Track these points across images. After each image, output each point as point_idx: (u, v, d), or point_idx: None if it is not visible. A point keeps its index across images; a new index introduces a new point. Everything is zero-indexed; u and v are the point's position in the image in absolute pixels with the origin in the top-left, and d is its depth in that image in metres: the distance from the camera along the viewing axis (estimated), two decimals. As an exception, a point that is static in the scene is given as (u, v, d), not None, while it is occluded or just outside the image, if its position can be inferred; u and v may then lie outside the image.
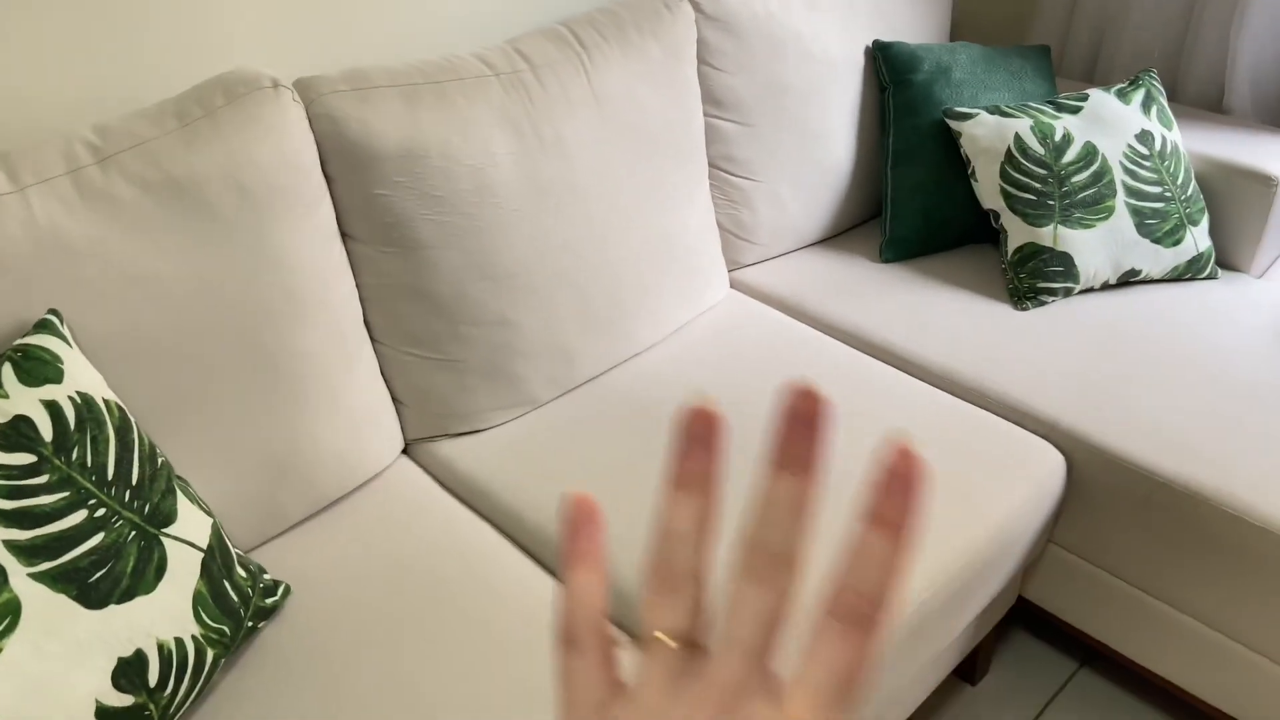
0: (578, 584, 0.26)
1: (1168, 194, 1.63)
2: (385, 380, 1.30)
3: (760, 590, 0.24)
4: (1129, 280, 1.66)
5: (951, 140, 1.74)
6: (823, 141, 1.74)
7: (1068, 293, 1.63)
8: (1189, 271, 1.67)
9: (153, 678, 0.86)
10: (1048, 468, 1.32)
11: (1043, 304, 1.62)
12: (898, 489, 0.23)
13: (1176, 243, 1.63)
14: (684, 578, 0.25)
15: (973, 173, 1.69)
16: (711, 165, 1.66)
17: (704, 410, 0.25)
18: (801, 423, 0.24)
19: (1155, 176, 1.63)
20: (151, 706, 0.86)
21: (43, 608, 0.79)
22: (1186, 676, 1.41)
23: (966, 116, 1.68)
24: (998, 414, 1.44)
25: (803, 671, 0.24)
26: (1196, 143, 1.76)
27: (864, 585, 0.23)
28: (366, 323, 1.27)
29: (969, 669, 1.61)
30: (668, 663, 0.24)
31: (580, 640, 0.26)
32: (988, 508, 1.22)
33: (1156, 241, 1.62)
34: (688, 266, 1.54)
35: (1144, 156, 1.64)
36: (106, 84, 1.16)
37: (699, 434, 0.25)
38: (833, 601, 0.24)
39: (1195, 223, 1.65)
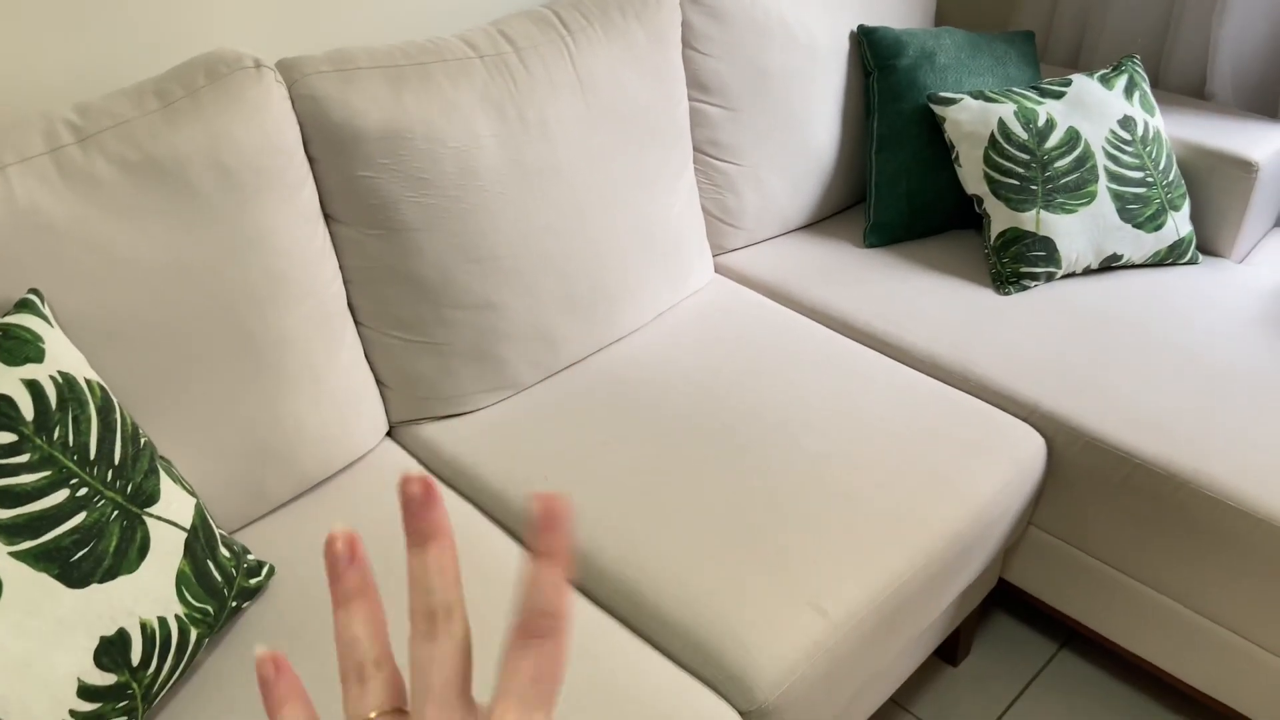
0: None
1: (1149, 179, 1.64)
2: (369, 363, 1.30)
3: (434, 645, 0.29)
4: (1110, 265, 1.67)
5: (935, 125, 1.74)
6: (807, 126, 1.75)
7: (1050, 277, 1.64)
8: (1170, 256, 1.68)
9: (135, 657, 0.86)
10: (1028, 450, 1.33)
11: (1025, 289, 1.63)
12: (549, 526, 0.29)
13: (1158, 228, 1.64)
14: (372, 667, 0.30)
15: (956, 158, 1.69)
16: (696, 150, 1.66)
17: (344, 536, 0.31)
18: (415, 504, 0.29)
19: (1137, 162, 1.64)
20: (134, 685, 0.86)
21: (24, 586, 0.79)
22: (1166, 657, 1.43)
23: (950, 102, 1.69)
24: (979, 397, 1.45)
25: (504, 685, 0.28)
26: (1178, 128, 1.77)
27: (542, 605, 0.28)
28: (350, 305, 1.27)
29: (950, 650, 1.62)
30: None
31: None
32: (968, 490, 1.24)
33: (1138, 226, 1.64)
34: (672, 251, 1.54)
35: (1126, 142, 1.65)
36: (87, 63, 1.16)
37: (345, 555, 0.30)
38: (519, 625, 0.29)
39: (1177, 208, 1.66)
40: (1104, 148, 1.63)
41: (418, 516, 0.30)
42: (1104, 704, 1.57)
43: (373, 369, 1.31)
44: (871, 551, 1.13)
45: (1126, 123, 1.66)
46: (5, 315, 0.88)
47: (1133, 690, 1.59)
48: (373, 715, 0.29)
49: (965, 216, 1.81)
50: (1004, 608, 1.74)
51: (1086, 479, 1.37)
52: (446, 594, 0.29)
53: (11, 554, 0.79)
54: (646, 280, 1.50)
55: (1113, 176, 1.63)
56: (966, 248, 1.78)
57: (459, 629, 0.29)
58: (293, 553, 1.12)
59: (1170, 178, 1.66)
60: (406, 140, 1.19)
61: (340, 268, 1.24)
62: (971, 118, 1.66)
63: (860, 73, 1.81)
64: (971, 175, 1.67)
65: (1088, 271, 1.68)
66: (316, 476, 1.21)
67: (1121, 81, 1.70)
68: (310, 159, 1.17)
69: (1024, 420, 1.40)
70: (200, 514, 0.97)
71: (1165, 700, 1.57)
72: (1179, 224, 1.66)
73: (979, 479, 1.25)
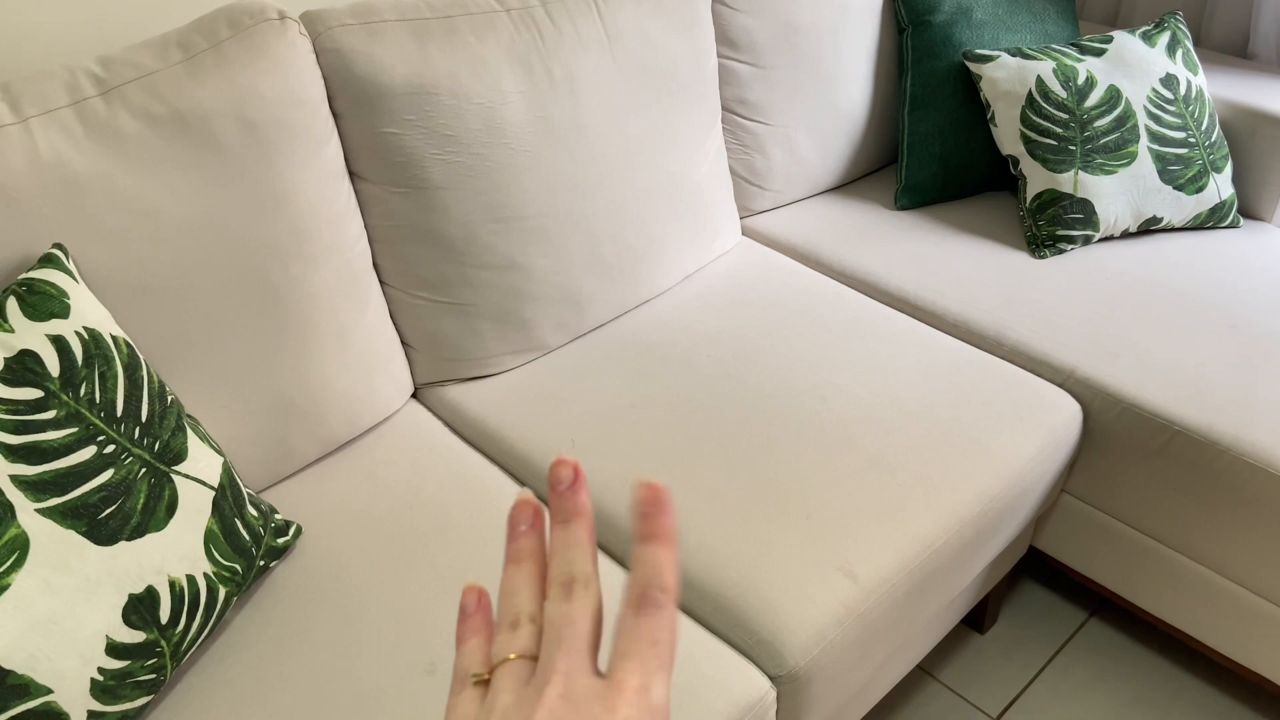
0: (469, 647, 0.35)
1: (1192, 140, 1.60)
2: (395, 323, 1.29)
3: (569, 605, 0.32)
4: (1150, 228, 1.63)
5: (970, 84, 1.70)
6: (838, 85, 1.71)
7: (1087, 240, 1.60)
8: (1211, 219, 1.64)
9: (164, 615, 0.86)
10: (1063, 416, 1.30)
11: (1061, 252, 1.60)
12: (656, 511, 0.33)
13: (1199, 190, 1.60)
14: (525, 618, 0.33)
15: (992, 117, 1.65)
16: (724, 108, 1.62)
17: (528, 502, 0.35)
18: (564, 485, 0.34)
19: (1179, 122, 1.60)
20: (163, 643, 0.86)
21: (51, 544, 0.78)
22: (1200, 626, 1.40)
23: (987, 59, 1.64)
24: (1013, 362, 1.42)
25: (623, 648, 0.31)
26: (1221, 88, 1.72)
27: (656, 580, 0.32)
28: (376, 265, 1.25)
29: (978, 617, 1.61)
30: (516, 673, 0.32)
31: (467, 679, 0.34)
32: (1002, 457, 1.21)
33: (1179, 188, 1.59)
34: (699, 212, 1.51)
35: (1168, 101, 1.60)
36: (110, 14, 1.14)
37: (526, 518, 0.35)
38: (634, 598, 0.32)
39: (1219, 170, 1.62)
40: (1145, 107, 1.59)
41: (564, 497, 0.34)
42: (1135, 672, 1.55)
43: (398, 329, 1.30)
44: (903, 517, 1.11)
45: (1169, 81, 1.61)
46: (30, 270, 0.87)
47: (1164, 659, 1.57)
48: (512, 656, 0.32)
49: (1000, 178, 1.77)
50: (1033, 575, 1.72)
51: (1123, 446, 1.35)
52: (584, 566, 0.33)
53: (39, 510, 0.78)
54: (673, 242, 1.47)
55: (1154, 136, 1.58)
56: (1001, 210, 1.74)
57: (593, 597, 0.32)
58: (319, 512, 1.12)
59: (1213, 138, 1.62)
60: (432, 96, 1.17)
61: (365, 226, 1.22)
62: (1008, 76, 1.62)
63: (894, 29, 1.76)
64: (1007, 135, 1.63)
65: (1126, 235, 1.64)
66: (343, 437, 1.20)
67: (1164, 39, 1.65)
68: (335, 114, 1.15)
69: (1059, 386, 1.37)
70: (228, 472, 0.96)
71: (1197, 670, 1.55)
72: (1221, 186, 1.62)
73: (1013, 445, 1.23)
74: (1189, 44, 1.67)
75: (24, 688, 0.74)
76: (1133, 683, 1.54)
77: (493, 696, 0.31)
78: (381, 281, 1.27)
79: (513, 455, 1.23)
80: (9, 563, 0.75)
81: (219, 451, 0.97)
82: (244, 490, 0.99)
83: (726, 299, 1.49)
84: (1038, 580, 1.71)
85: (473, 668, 0.33)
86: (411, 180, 1.19)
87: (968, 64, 1.67)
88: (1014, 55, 1.63)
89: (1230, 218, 1.65)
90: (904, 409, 1.26)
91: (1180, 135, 1.59)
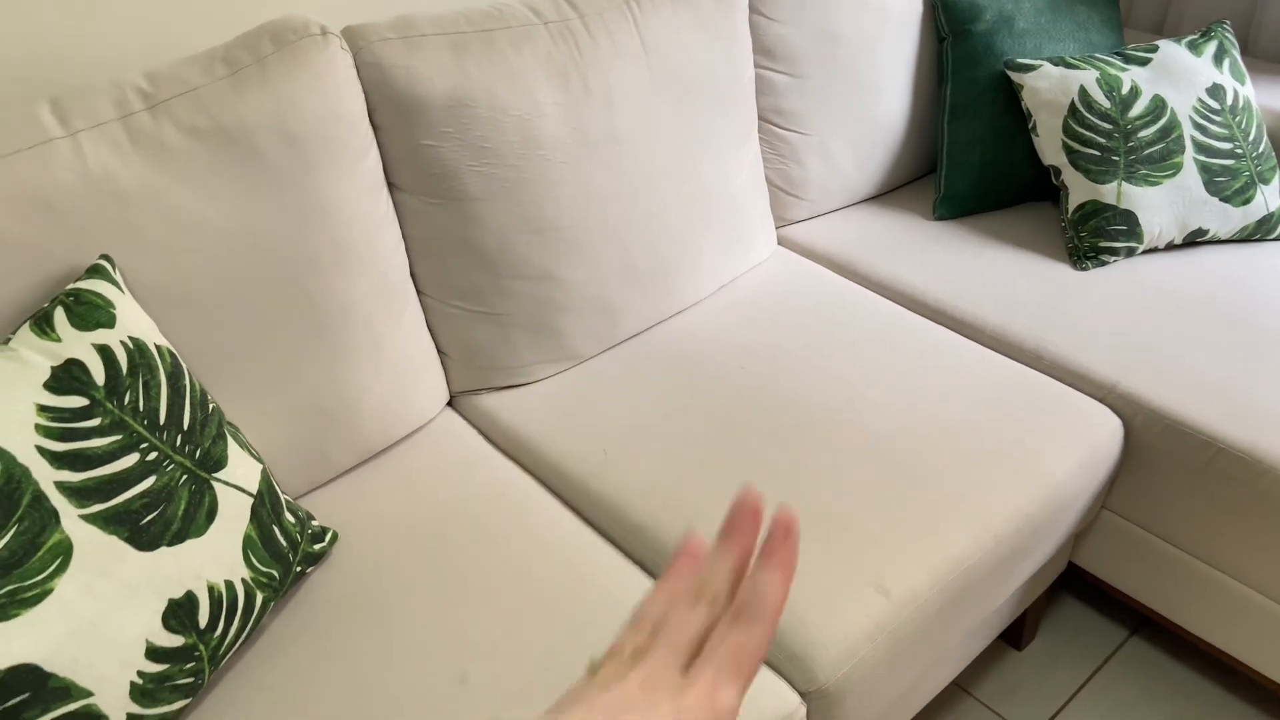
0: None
1: (1238, 150, 1.57)
2: (430, 332, 1.30)
3: (725, 625, 0.34)
4: (1195, 240, 1.60)
5: (1012, 93, 1.68)
6: (876, 94, 1.70)
7: (1130, 252, 1.58)
8: (1258, 232, 1.61)
9: (203, 619, 0.88)
10: (1105, 432, 1.28)
11: (1104, 264, 1.57)
12: (785, 538, 0.35)
13: (1246, 201, 1.57)
14: (710, 597, 0.35)
15: (1033, 127, 1.63)
16: (761, 118, 1.62)
17: (752, 501, 0.37)
18: (782, 533, 0.36)
19: (1226, 132, 1.57)
20: (201, 647, 0.88)
21: (94, 549, 0.80)
22: (1242, 647, 1.37)
23: (1029, 68, 1.62)
24: (1054, 377, 1.40)
25: (707, 653, 0.33)
26: (1270, 98, 1.69)
27: (762, 597, 0.34)
28: (412, 274, 1.26)
29: (1015, 634, 1.59)
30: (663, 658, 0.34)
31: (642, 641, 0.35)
32: (1041, 473, 1.20)
33: (1225, 200, 1.56)
34: (733, 222, 1.51)
35: (1215, 111, 1.57)
36: (158, 29, 1.16)
37: (751, 514, 0.37)
38: (736, 607, 0.34)
39: (1266, 181, 1.58)
40: (1191, 117, 1.56)
41: (781, 545, 0.36)
42: (1176, 692, 1.52)
43: (434, 338, 1.31)
44: (938, 533, 1.10)
45: (1215, 91, 1.58)
46: (77, 281, 0.89)
47: (1206, 680, 1.54)
48: (629, 646, 0.34)
49: (1041, 188, 1.75)
50: (1072, 591, 1.69)
51: (1165, 463, 1.32)
52: (766, 607, 0.34)
53: (83, 517, 0.80)
54: (708, 252, 1.47)
55: (1200, 147, 1.56)
56: (1042, 221, 1.72)
57: (756, 635, 0.34)
58: (355, 519, 1.13)
59: (1260, 149, 1.59)
60: (469, 108, 1.18)
61: (403, 236, 1.23)
62: (1051, 85, 1.60)
63: (933, 38, 1.75)
64: (1049, 145, 1.61)
65: (1170, 247, 1.61)
66: (378, 445, 1.22)
67: (1210, 48, 1.63)
68: (374, 127, 1.16)
69: (1100, 401, 1.35)
70: (266, 480, 0.98)
71: (1240, 691, 1.52)
72: (1269, 198, 1.59)
73: (1052, 461, 1.21)
74: (1236, 53, 1.64)
75: (65, 690, 0.76)
76: (1173, 703, 1.51)
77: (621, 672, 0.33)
78: (418, 291, 1.28)
79: (545, 464, 1.24)
80: (53, 568, 0.77)
81: (258, 459, 0.99)
82: (282, 497, 1.01)
83: (761, 309, 1.49)
84: (1077, 596, 1.69)
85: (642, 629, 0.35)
86: (448, 191, 1.21)
87: (1009, 73, 1.66)
88: (1056, 64, 1.61)
89: (1278, 230, 1.61)
90: (940, 423, 1.25)
91: (1227, 146, 1.56)
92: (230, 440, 0.96)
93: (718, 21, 1.42)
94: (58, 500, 0.79)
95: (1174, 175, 1.55)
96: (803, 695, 0.99)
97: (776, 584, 0.34)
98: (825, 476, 1.16)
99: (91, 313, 0.86)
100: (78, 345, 0.84)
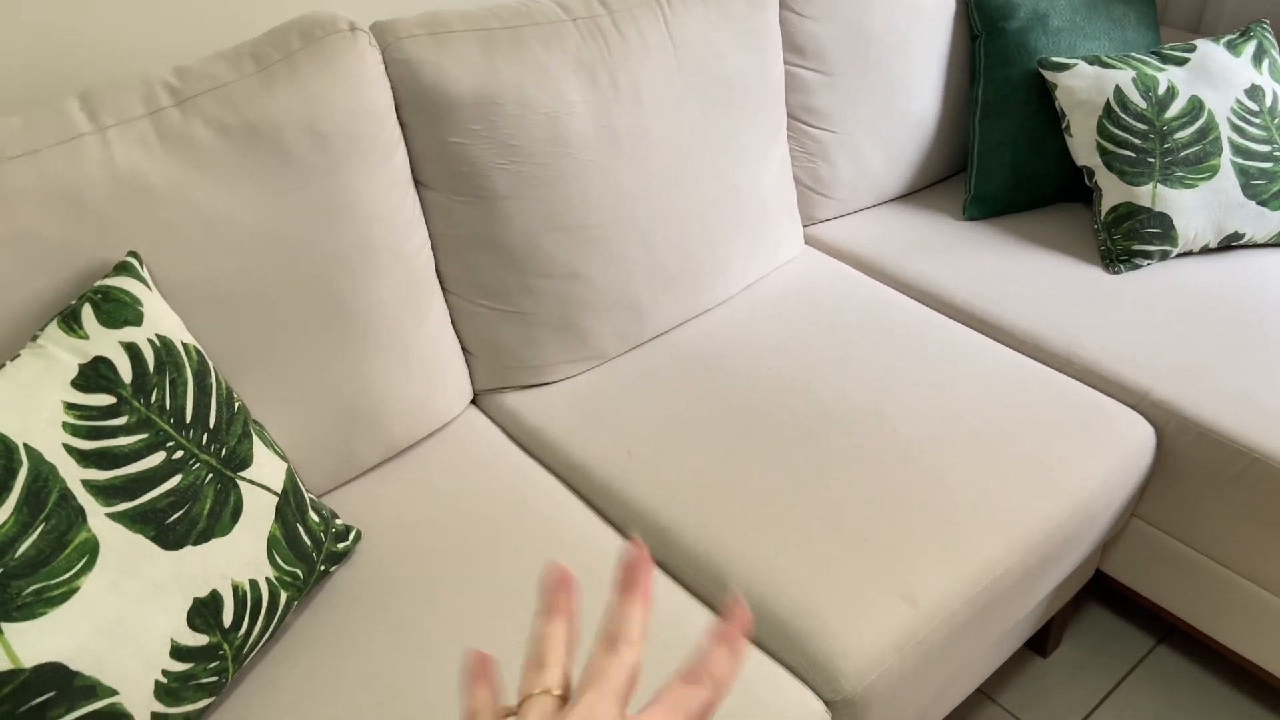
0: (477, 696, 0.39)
1: (1277, 153, 1.54)
2: (455, 330, 1.30)
3: (610, 658, 0.35)
4: (1231, 244, 1.58)
5: (1045, 92, 1.66)
6: (907, 92, 1.68)
7: (1164, 256, 1.55)
8: (1297, 236, 1.58)
9: (227, 618, 0.88)
10: (1135, 440, 1.26)
11: (1137, 267, 1.55)
12: (739, 622, 0.37)
13: (1285, 205, 1.54)
14: (552, 660, 0.37)
15: (1067, 127, 1.61)
16: (790, 116, 1.60)
17: (560, 571, 0.39)
18: (635, 563, 0.38)
19: (1265, 134, 1.54)
20: (225, 646, 0.88)
21: (120, 547, 0.80)
22: (1271, 657, 1.35)
23: (1063, 67, 1.60)
24: (1085, 382, 1.38)
25: (656, 698, 0.34)
26: (1312, 98, 1.65)
27: (712, 668, 0.36)
28: (438, 272, 1.26)
29: (1041, 641, 1.57)
30: (544, 708, 0.35)
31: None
32: (1071, 480, 1.18)
33: (1263, 204, 1.53)
34: (761, 221, 1.50)
35: (1253, 113, 1.54)
36: (188, 25, 1.16)
37: (561, 585, 0.39)
38: (686, 671, 0.35)
39: (1307, 184, 1.55)
40: (1229, 118, 1.53)
41: (633, 573, 0.38)
42: (1202, 702, 1.50)
43: (459, 336, 1.30)
44: (965, 541, 1.09)
45: (1254, 92, 1.55)
46: (105, 278, 0.89)
47: (1233, 689, 1.52)
48: (536, 691, 0.36)
49: (1074, 189, 1.73)
50: (1099, 598, 1.67)
51: (1197, 471, 1.30)
52: (633, 631, 0.37)
53: (109, 515, 0.80)
54: (735, 251, 1.46)
55: (1237, 149, 1.53)
56: (1074, 222, 1.69)
57: (633, 657, 0.36)
58: (379, 517, 1.13)
59: (1301, 151, 1.55)
60: (498, 106, 1.17)
61: (429, 234, 1.23)
62: (1085, 85, 1.57)
63: (966, 36, 1.72)
64: (1083, 146, 1.59)
65: (1206, 250, 1.59)
66: (403, 442, 1.21)
67: (1249, 48, 1.59)
68: (402, 124, 1.16)
69: (1132, 408, 1.33)
70: (291, 478, 0.98)
71: (1267, 700, 1.50)
72: (1309, 201, 1.55)
73: (1082, 469, 1.19)
74: (1275, 53, 1.60)
75: (91, 689, 0.76)
76: (1200, 712, 1.49)
77: None
78: (443, 288, 1.28)
79: (569, 464, 1.23)
80: (79, 566, 0.77)
81: (283, 457, 0.99)
82: (306, 496, 1.01)
83: (788, 309, 1.47)
84: (1103, 604, 1.67)
85: (483, 709, 0.37)
86: (476, 189, 1.20)
87: (1043, 72, 1.63)
88: (1091, 63, 1.58)
89: (1318, 234, 1.58)
90: (969, 427, 1.23)
91: (1265, 149, 1.53)
92: (256, 439, 0.95)
93: (748, 19, 1.41)
94: (84, 498, 0.79)
95: (1211, 178, 1.52)
96: (827, 704, 0.98)
97: (730, 660, 0.36)
98: (851, 480, 1.15)
99: (119, 310, 0.86)
100: (105, 343, 0.84)
